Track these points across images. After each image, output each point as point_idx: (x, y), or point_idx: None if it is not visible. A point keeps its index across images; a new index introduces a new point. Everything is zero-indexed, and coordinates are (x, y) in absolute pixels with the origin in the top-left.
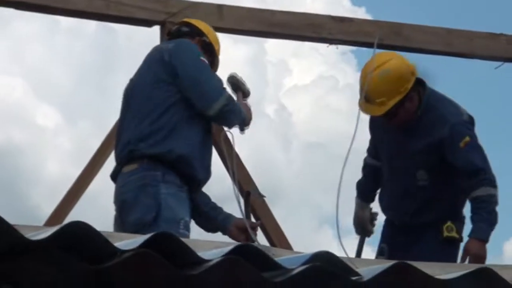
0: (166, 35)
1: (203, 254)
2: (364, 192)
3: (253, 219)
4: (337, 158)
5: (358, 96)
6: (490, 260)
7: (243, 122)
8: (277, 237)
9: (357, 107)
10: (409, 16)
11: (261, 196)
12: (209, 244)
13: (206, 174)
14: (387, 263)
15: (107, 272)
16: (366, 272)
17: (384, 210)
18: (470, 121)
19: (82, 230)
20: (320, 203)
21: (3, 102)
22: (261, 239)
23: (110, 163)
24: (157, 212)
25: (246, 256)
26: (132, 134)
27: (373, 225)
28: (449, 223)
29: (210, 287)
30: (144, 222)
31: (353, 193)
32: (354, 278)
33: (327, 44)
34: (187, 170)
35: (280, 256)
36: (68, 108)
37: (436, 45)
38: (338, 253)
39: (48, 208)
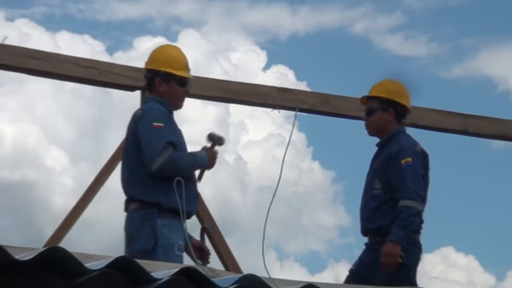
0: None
1: (156, 274)
2: None
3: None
4: (280, 198)
5: (297, 152)
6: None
7: (200, 168)
8: (230, 261)
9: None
10: (342, 88)
11: (211, 228)
12: (167, 265)
13: (193, 206)
14: (300, 284)
15: (79, 286)
16: None
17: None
18: (421, 153)
19: (59, 253)
20: (267, 233)
21: (21, 146)
22: (217, 262)
23: (100, 196)
24: (155, 241)
25: (189, 276)
26: (126, 183)
27: None
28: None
29: None
30: (146, 249)
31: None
32: None
33: (271, 109)
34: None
35: (219, 277)
36: (71, 153)
37: (357, 112)
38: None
39: (50, 232)
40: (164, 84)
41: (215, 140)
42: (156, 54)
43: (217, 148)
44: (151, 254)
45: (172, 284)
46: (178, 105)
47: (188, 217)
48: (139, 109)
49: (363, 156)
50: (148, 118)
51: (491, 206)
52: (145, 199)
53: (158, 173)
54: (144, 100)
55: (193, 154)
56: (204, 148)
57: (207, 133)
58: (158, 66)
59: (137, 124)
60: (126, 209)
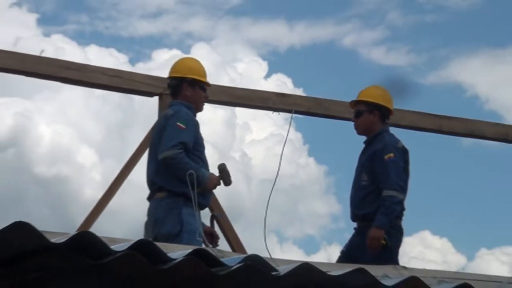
0: (168, 88)
1: (172, 254)
2: None
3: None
4: (280, 190)
5: (295, 149)
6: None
7: (199, 182)
8: (236, 244)
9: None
10: (334, 93)
11: (220, 216)
12: (180, 247)
13: (207, 199)
14: (297, 263)
15: (105, 265)
16: (282, 269)
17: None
18: (402, 149)
19: (89, 237)
20: (268, 220)
21: (57, 145)
22: (225, 245)
23: (124, 188)
24: (181, 226)
25: (201, 256)
26: (154, 174)
27: None
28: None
29: (176, 278)
30: (172, 233)
31: (288, 212)
32: (273, 273)
33: (271, 112)
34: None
35: (227, 257)
36: (100, 151)
37: (347, 114)
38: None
39: (81, 219)
40: (190, 89)
41: (224, 175)
42: (181, 64)
43: (222, 183)
44: (175, 238)
45: (186, 263)
46: (200, 108)
47: (203, 208)
48: (170, 109)
49: (352, 153)
50: (176, 118)
51: (462, 195)
52: (173, 189)
53: (161, 162)
54: (165, 105)
55: (199, 168)
56: (211, 173)
57: (220, 163)
58: (185, 74)
59: (167, 121)
60: (151, 198)
